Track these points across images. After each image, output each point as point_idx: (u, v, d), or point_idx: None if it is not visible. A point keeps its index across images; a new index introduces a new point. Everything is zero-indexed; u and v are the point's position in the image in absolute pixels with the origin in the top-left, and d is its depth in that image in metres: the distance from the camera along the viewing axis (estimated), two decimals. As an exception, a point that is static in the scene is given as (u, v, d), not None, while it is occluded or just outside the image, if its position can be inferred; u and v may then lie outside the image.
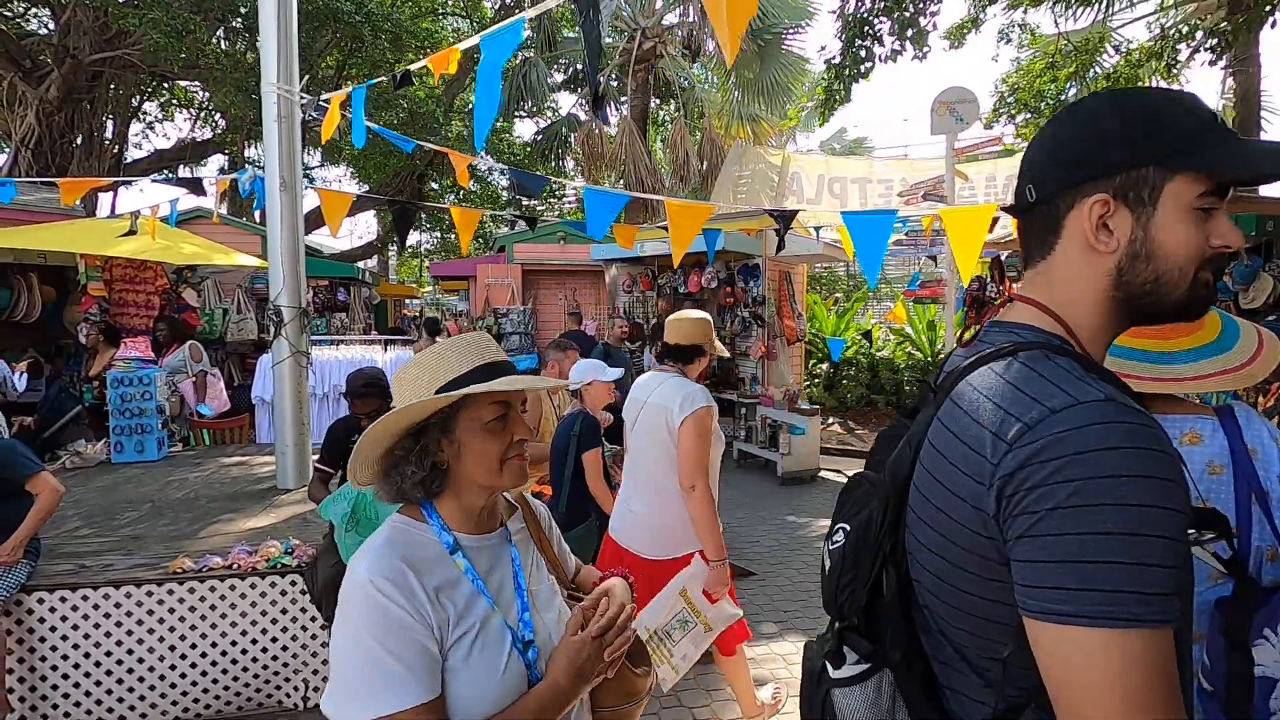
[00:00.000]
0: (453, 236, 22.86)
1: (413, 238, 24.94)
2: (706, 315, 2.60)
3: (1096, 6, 10.87)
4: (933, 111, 8.36)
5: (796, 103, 18.39)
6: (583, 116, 14.80)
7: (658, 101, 16.71)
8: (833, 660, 0.92)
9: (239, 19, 9.90)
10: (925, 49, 6.35)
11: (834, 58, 5.84)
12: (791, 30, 12.35)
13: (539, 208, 20.30)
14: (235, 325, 8.49)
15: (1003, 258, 8.93)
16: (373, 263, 23.10)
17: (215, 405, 6.61)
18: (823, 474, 7.35)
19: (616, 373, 3.60)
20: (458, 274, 11.74)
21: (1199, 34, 11.32)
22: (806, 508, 6.21)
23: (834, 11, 5.78)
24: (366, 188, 14.34)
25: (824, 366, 11.49)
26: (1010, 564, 0.70)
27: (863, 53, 5.60)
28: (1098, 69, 10.67)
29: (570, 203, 22.44)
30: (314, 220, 13.15)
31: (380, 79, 4.55)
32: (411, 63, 14.83)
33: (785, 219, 3.81)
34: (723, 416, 8.88)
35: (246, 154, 14.43)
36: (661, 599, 2.37)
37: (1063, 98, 10.35)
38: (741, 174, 12.61)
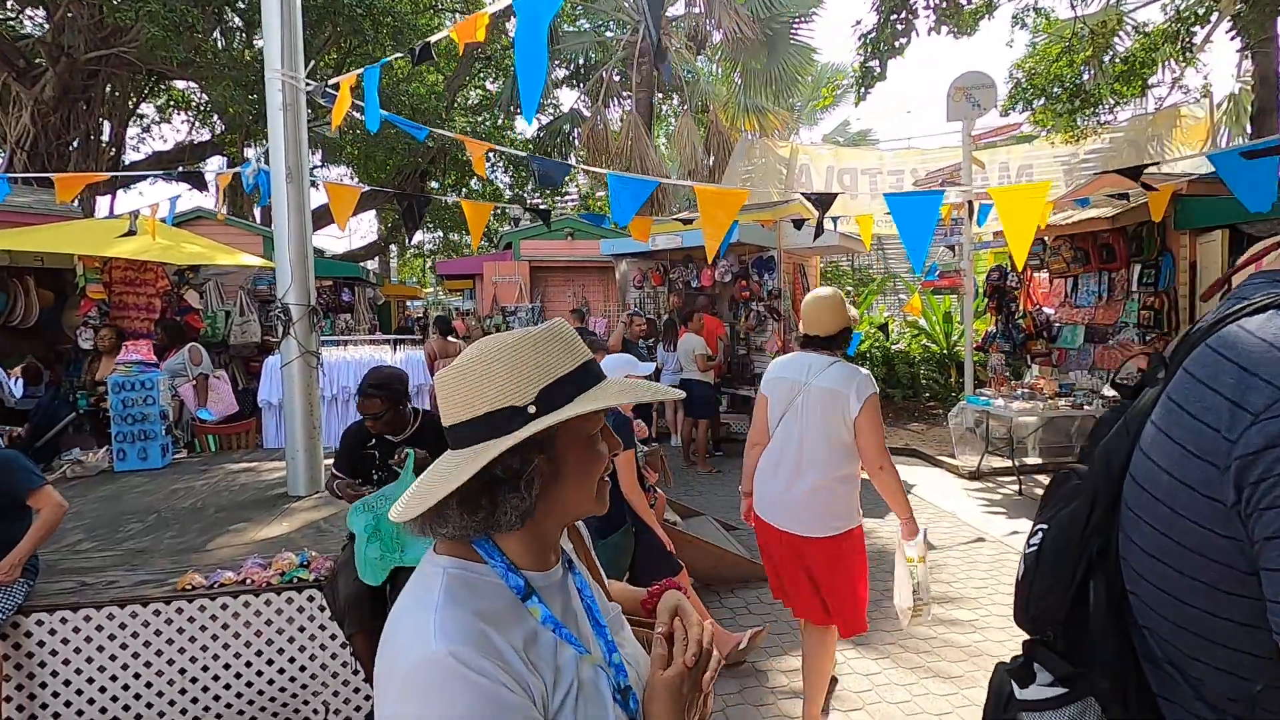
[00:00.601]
0: (455, 236, 22.67)
1: (416, 237, 24.77)
2: (835, 291, 2.62)
3: (1112, -12, 10.64)
4: (949, 97, 8.14)
5: (804, 94, 18.20)
6: (586, 112, 14.57)
7: (660, 95, 16.50)
8: (1019, 679, 0.79)
9: (238, 14, 9.69)
10: (969, 29, 6.10)
11: (870, 31, 5.61)
12: (800, 20, 12.13)
13: (544, 205, 20.08)
14: (238, 328, 8.29)
15: (1024, 246, 8.72)
16: (374, 264, 22.92)
17: (220, 409, 6.41)
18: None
19: (648, 368, 3.39)
20: (463, 272, 11.53)
21: (1214, 16, 11.11)
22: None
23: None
24: (369, 187, 14.15)
25: (838, 361, 11.28)
26: (1260, 574, 0.55)
27: (900, 25, 5.37)
28: (1114, 52, 10.45)
29: (574, 200, 22.23)
30: (318, 219, 12.95)
31: (399, 54, 4.32)
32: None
33: (824, 203, 3.59)
34: (742, 413, 8.71)
35: (247, 154, 14.23)
36: (899, 581, 2.57)
37: (1079, 82, 10.11)
38: (750, 167, 12.41)
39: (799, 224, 6.56)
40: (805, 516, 2.53)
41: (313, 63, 11.40)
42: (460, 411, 0.86)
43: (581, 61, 16.05)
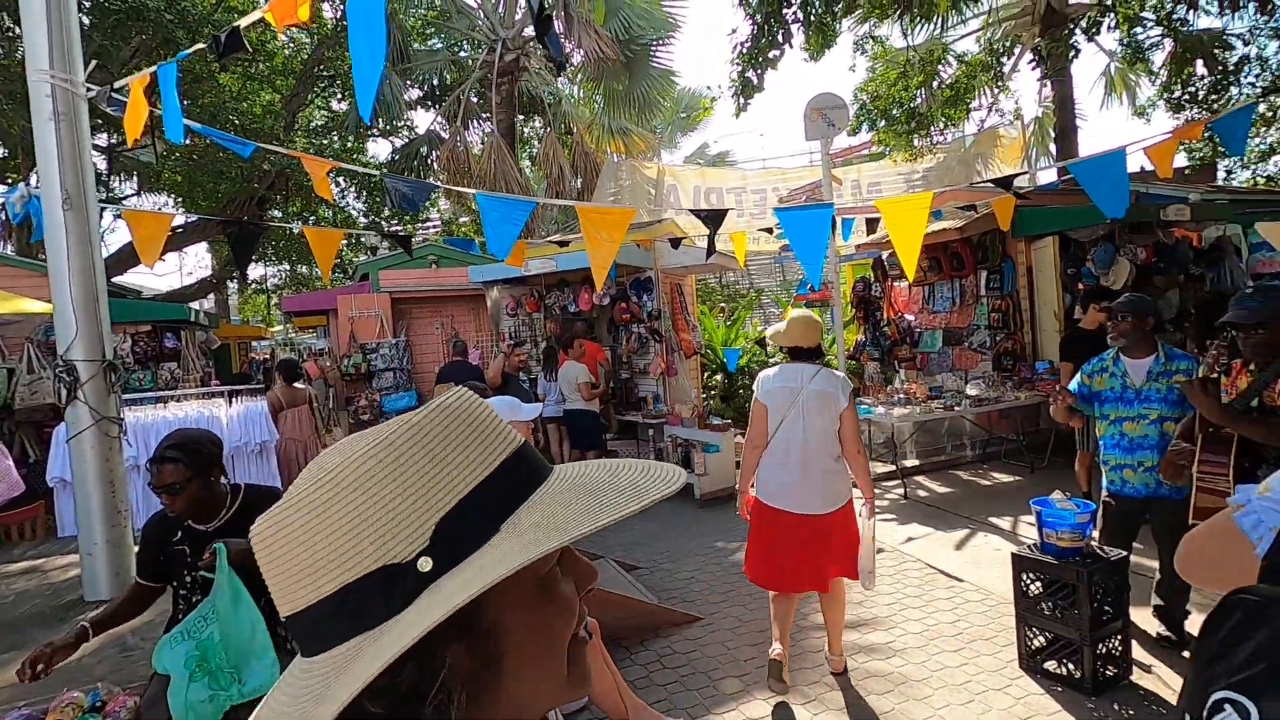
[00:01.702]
0: (304, 269, 20.85)
1: (257, 271, 22.53)
2: (811, 313, 3.23)
3: (934, 22, 11.67)
4: (806, 118, 8.43)
5: (665, 117, 18.52)
6: (444, 134, 13.87)
7: (522, 117, 16.12)
8: None
9: (6, 12, 8.20)
10: (816, 55, 6.30)
11: (745, 41, 5.58)
12: (658, 43, 12.25)
13: (402, 231, 18.87)
14: (26, 388, 6.86)
15: (884, 257, 9.18)
16: (209, 302, 20.53)
17: (2, 489, 5.18)
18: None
19: (533, 411, 2.97)
20: (314, 308, 10.43)
21: (1018, 48, 12.50)
22: (734, 530, 5.81)
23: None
24: (195, 217, 12.54)
25: (719, 378, 11.34)
26: None
27: (779, 35, 5.37)
28: (940, 79, 11.42)
29: (436, 227, 21.19)
30: (132, 255, 11.25)
31: (199, 45, 3.61)
32: (240, 73, 13.20)
33: (715, 220, 3.38)
34: (627, 439, 8.41)
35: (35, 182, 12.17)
36: (865, 549, 3.11)
37: (914, 106, 10.92)
38: (618, 188, 12.31)
39: (676, 243, 6.42)
40: (825, 497, 3.08)
41: (122, 81, 9.92)
42: (297, 590, 0.48)
43: (436, 82, 15.35)
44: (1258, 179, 12.92)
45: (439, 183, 14.92)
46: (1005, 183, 3.97)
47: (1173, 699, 2.98)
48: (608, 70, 12.24)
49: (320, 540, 0.47)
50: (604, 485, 0.56)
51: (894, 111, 11.20)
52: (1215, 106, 9.96)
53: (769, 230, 8.24)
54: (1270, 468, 2.49)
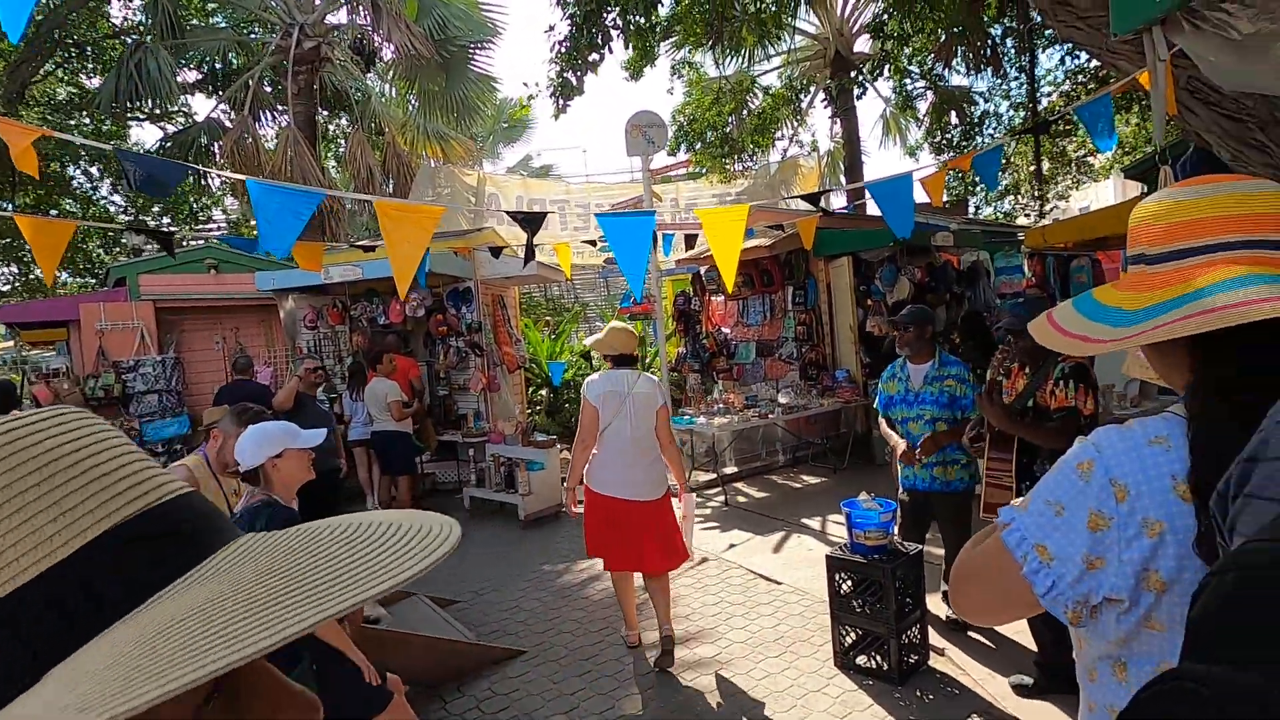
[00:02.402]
0: (39, 273, 17.31)
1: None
2: (626, 325, 3.72)
3: (743, 55, 12.49)
4: (627, 134, 8.54)
5: (486, 125, 17.97)
6: (229, 123, 12.23)
7: (326, 112, 14.75)
8: None
9: None
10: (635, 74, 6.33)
11: (564, 40, 5.38)
12: (477, 46, 11.81)
13: (175, 229, 16.31)
14: None
15: (702, 272, 9.53)
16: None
17: None
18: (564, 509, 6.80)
19: (317, 436, 2.53)
20: (47, 319, 8.57)
21: (813, 87, 13.80)
22: (560, 550, 5.59)
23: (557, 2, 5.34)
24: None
25: (544, 392, 11.08)
26: None
27: (599, 38, 5.25)
28: (749, 109, 12.25)
29: (221, 228, 18.70)
30: None
31: None
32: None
33: (533, 224, 3.15)
34: (446, 460, 7.85)
35: None
36: (685, 524, 3.89)
37: (727, 130, 11.58)
38: (435, 195, 11.66)
39: (496, 252, 6.10)
40: (650, 485, 3.55)
41: None
42: None
43: (219, 65, 13.55)
44: (997, 214, 15.38)
45: (219, 180, 13.13)
46: (814, 199, 4.19)
47: (964, 679, 3.24)
48: (423, 70, 11.54)
49: None
50: (305, 570, 0.33)
51: (709, 135, 11.80)
52: (965, 150, 11.66)
53: (593, 243, 8.18)
54: (1044, 463, 2.79)
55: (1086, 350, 0.80)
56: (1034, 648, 3.15)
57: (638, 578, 3.82)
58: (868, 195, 10.62)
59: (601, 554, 3.66)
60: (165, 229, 12.48)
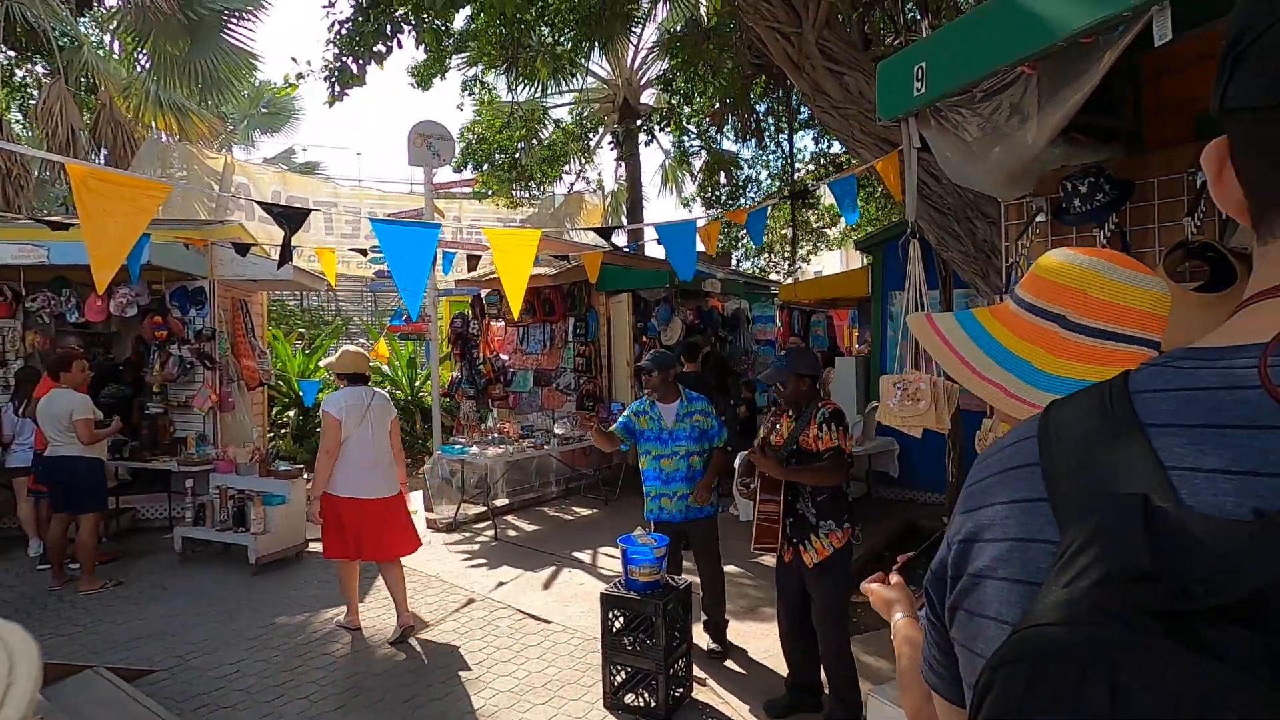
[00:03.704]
0: None
1: None
2: (357, 348, 4.44)
3: (535, 84, 12.55)
4: (410, 141, 8.02)
5: (240, 107, 15.75)
6: None
7: (15, 54, 11.78)
8: None
9: None
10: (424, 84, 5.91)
11: (345, 22, 4.73)
12: (234, 15, 10.32)
13: None
14: None
15: (483, 295, 9.19)
16: None
17: None
18: (312, 547, 5.92)
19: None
20: None
21: (601, 128, 14.33)
22: (300, 598, 4.84)
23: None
24: None
25: (292, 413, 9.77)
26: None
27: (388, 29, 4.70)
28: (539, 138, 12.30)
29: None
30: None
31: None
32: None
33: (294, 220, 2.68)
34: (155, 493, 6.50)
35: None
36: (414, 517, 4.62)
37: (517, 155, 11.47)
38: (167, 176, 9.87)
39: (243, 249, 5.23)
40: (388, 484, 4.14)
41: None
42: None
43: None
44: (755, 269, 17.23)
45: None
46: (605, 234, 4.22)
47: (725, 707, 3.35)
48: (159, 27, 9.76)
49: None
50: None
51: (497, 156, 11.59)
52: (732, 207, 12.89)
53: (363, 252, 7.47)
54: (806, 500, 3.02)
55: (1014, 408, 0.75)
56: (784, 670, 3.37)
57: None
58: (649, 237, 11.22)
59: (339, 553, 4.11)
60: None
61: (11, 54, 11.86)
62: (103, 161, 10.39)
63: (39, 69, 12.75)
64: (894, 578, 1.01)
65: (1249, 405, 0.40)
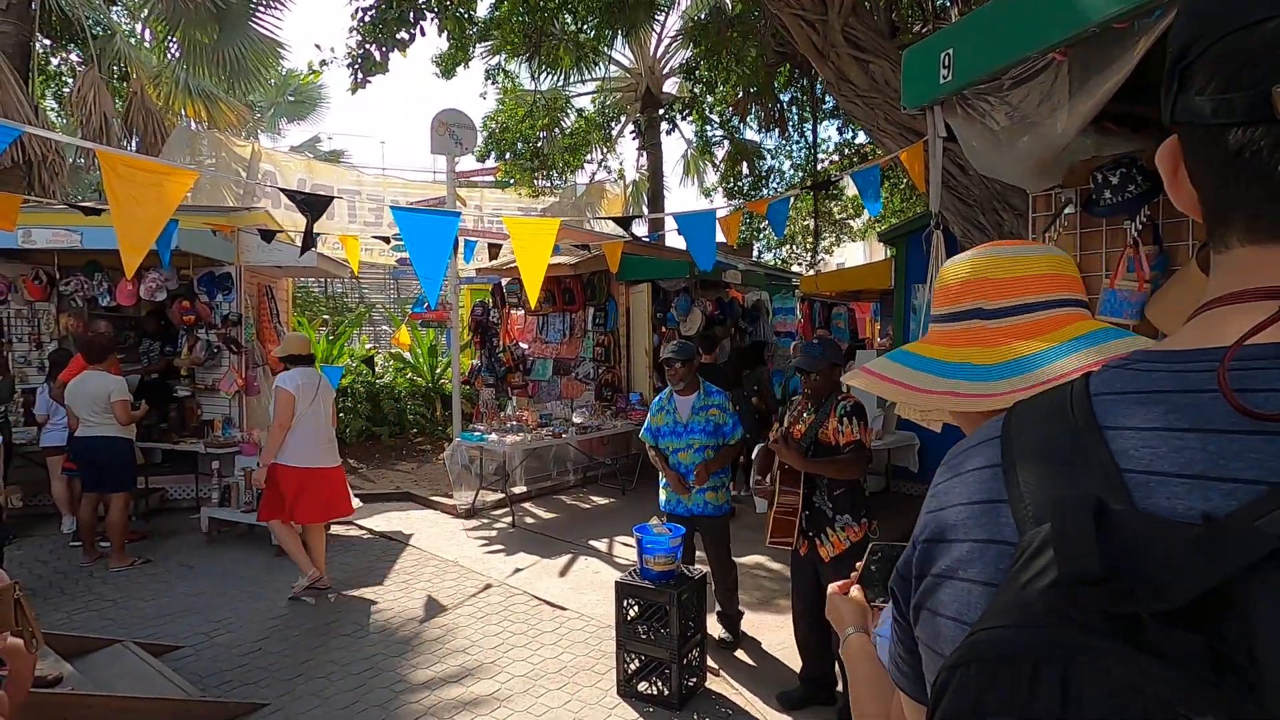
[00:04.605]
0: None
1: None
2: (301, 333, 5.07)
3: (559, 73, 12.52)
4: (433, 129, 8.05)
5: (267, 95, 15.94)
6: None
7: (50, 42, 12.01)
8: None
9: None
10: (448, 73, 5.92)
11: (369, 8, 4.75)
12: (264, 5, 10.41)
13: None
14: None
15: (503, 284, 9.23)
16: None
17: None
18: (333, 530, 6.03)
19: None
20: None
21: (623, 118, 14.27)
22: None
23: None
24: None
25: (315, 399, 9.91)
26: None
27: (410, 15, 4.72)
28: (561, 127, 12.27)
29: None
30: None
31: None
32: None
33: (316, 207, 2.71)
34: (184, 473, 6.65)
35: None
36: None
37: (539, 144, 11.47)
38: (195, 162, 10.03)
39: (269, 236, 5.30)
40: (332, 455, 4.67)
41: None
42: None
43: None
44: (776, 260, 17.09)
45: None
46: (625, 224, 4.21)
47: (737, 698, 3.35)
48: (189, 15, 9.90)
49: None
50: None
51: (519, 146, 11.60)
52: (754, 197, 12.78)
53: (386, 240, 7.54)
54: (822, 493, 3.00)
55: (973, 404, 0.74)
56: (798, 663, 3.36)
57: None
58: (669, 227, 11.18)
59: (276, 515, 4.51)
60: None
61: (47, 42, 12.09)
62: (134, 148, 10.58)
63: (73, 57, 13.00)
64: (855, 590, 0.99)
65: (1202, 409, 0.40)
